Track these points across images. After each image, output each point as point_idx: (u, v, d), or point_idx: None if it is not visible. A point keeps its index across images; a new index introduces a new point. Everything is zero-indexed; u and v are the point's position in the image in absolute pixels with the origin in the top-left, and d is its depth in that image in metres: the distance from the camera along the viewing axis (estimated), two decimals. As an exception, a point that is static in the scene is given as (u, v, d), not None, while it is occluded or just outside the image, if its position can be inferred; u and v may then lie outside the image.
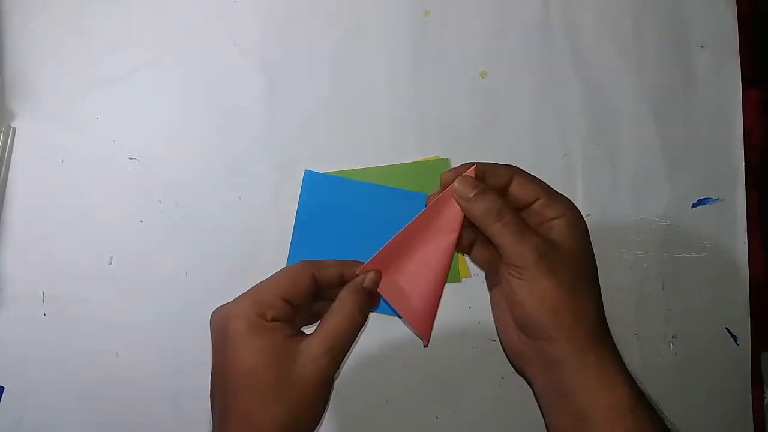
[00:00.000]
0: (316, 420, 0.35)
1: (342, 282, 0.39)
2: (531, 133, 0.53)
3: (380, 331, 0.50)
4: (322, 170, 0.51)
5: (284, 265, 0.48)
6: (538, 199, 0.38)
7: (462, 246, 0.41)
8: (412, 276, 0.40)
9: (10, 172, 0.52)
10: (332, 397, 0.50)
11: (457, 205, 0.39)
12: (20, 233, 0.51)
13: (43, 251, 0.51)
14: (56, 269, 0.51)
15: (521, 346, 0.38)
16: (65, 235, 0.51)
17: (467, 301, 0.51)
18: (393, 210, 0.51)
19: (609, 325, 0.39)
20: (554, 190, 0.39)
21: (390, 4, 0.53)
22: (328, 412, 0.50)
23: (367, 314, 0.37)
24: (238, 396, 0.34)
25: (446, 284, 0.51)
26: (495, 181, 0.39)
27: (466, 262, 0.51)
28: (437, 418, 0.50)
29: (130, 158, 0.52)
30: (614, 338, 0.50)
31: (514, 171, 0.39)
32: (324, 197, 0.51)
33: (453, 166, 0.51)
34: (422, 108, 0.53)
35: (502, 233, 0.37)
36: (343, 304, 0.36)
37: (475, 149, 0.52)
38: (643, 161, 0.52)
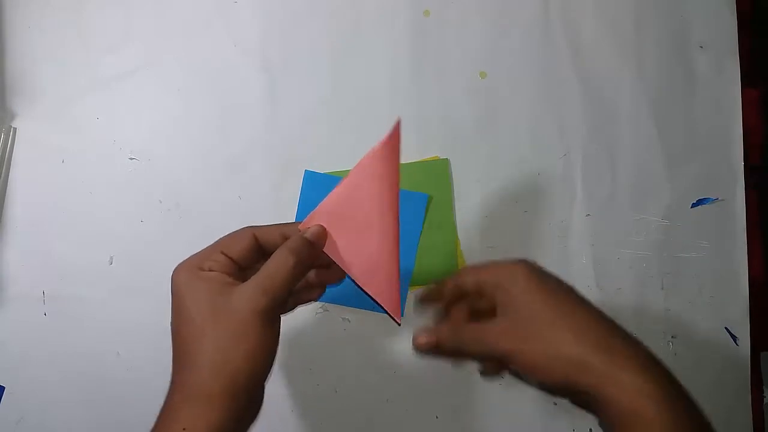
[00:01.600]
0: (253, 358, 0.34)
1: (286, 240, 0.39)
2: (531, 133, 0.53)
3: (380, 331, 0.50)
4: (322, 170, 0.51)
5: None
6: (478, 281, 0.38)
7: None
8: (363, 240, 0.39)
9: (10, 172, 0.52)
10: (332, 397, 0.50)
11: (394, 158, 0.39)
12: (21, 233, 0.51)
13: (43, 251, 0.51)
14: (57, 269, 0.51)
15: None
16: (66, 234, 0.51)
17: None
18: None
19: (536, 265, 0.38)
20: (493, 261, 0.38)
21: (390, 4, 0.53)
22: (328, 411, 0.50)
23: (307, 263, 0.37)
24: (177, 339, 0.36)
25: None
26: (450, 293, 0.40)
27: (466, 263, 0.51)
28: (437, 417, 0.50)
29: (131, 158, 0.52)
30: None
31: (454, 275, 0.40)
32: (324, 197, 0.51)
33: (452, 166, 0.52)
34: (422, 108, 0.53)
35: (475, 351, 0.37)
36: (278, 251, 0.36)
37: (475, 149, 0.52)
38: (642, 161, 0.52)
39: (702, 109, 0.53)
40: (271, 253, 0.37)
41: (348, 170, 0.51)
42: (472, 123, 0.53)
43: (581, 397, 0.35)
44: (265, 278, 0.35)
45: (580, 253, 0.51)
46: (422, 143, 0.52)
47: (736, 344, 0.51)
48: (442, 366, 0.50)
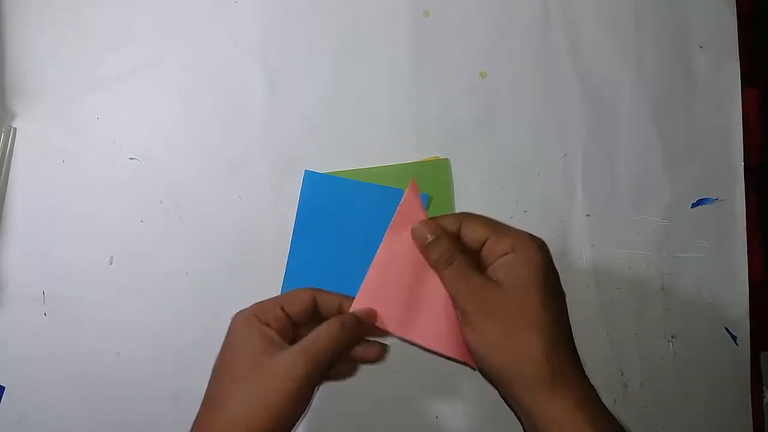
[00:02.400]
0: (277, 419, 0.35)
1: (341, 312, 0.41)
2: (531, 133, 0.53)
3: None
4: (322, 170, 0.51)
5: (284, 264, 0.50)
6: (487, 239, 0.38)
7: None
8: (414, 303, 0.40)
9: (10, 173, 0.52)
10: (332, 397, 0.50)
11: (416, 215, 0.40)
12: (21, 233, 0.51)
13: (43, 251, 0.51)
14: (57, 269, 0.51)
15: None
16: (66, 235, 0.51)
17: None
18: (393, 210, 0.50)
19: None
20: (508, 226, 0.39)
21: (390, 4, 0.53)
22: (328, 412, 0.50)
23: (352, 339, 0.39)
24: (214, 381, 0.37)
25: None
26: (448, 227, 0.39)
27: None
28: (437, 417, 0.50)
29: (131, 158, 0.52)
30: (615, 338, 0.51)
31: (462, 216, 0.40)
32: (324, 197, 0.51)
33: (452, 166, 0.52)
34: (422, 108, 0.53)
35: (448, 279, 0.38)
36: (327, 323, 0.38)
37: (475, 149, 0.52)
38: (642, 161, 0.52)
39: (702, 109, 0.53)
40: (324, 319, 0.38)
41: (348, 170, 0.51)
42: (472, 123, 0.53)
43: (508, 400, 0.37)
44: (309, 346, 0.36)
45: (580, 253, 0.52)
46: (422, 143, 0.52)
47: (736, 344, 0.51)
48: (442, 366, 0.50)
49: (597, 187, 0.52)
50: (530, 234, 0.38)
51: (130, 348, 0.51)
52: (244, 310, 0.39)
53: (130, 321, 0.51)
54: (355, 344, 0.41)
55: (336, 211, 0.51)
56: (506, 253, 0.37)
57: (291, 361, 0.35)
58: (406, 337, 0.41)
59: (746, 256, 0.52)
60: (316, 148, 0.52)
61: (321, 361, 0.36)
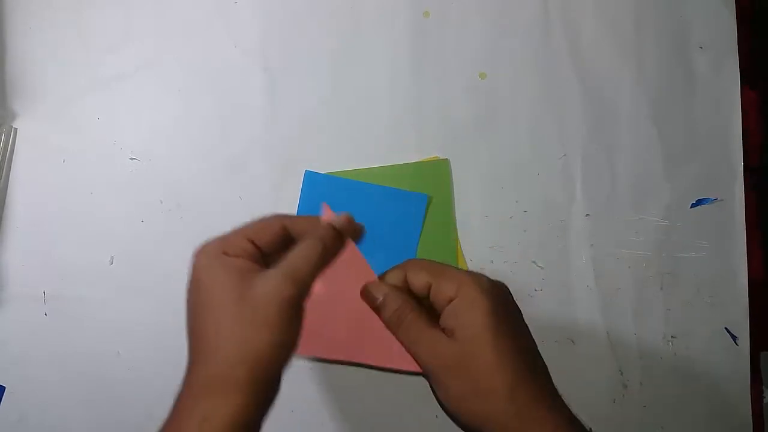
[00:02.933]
0: (277, 346, 0.33)
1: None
2: (531, 133, 0.53)
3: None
4: (322, 170, 0.51)
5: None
6: (432, 285, 0.36)
7: None
8: (356, 326, 0.38)
9: (11, 173, 0.52)
10: (332, 397, 0.50)
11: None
12: (21, 233, 0.51)
13: (44, 251, 0.51)
14: (57, 269, 0.51)
15: None
16: (66, 235, 0.51)
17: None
18: (393, 210, 0.51)
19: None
20: (451, 268, 0.36)
21: (390, 5, 0.53)
22: (328, 412, 0.50)
23: (333, 252, 0.37)
24: (195, 327, 0.34)
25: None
26: (396, 282, 0.37)
27: (465, 262, 0.51)
28: (437, 417, 0.50)
29: (131, 158, 0.52)
30: (615, 338, 0.51)
31: (406, 265, 0.38)
32: (324, 197, 0.51)
33: (452, 166, 0.52)
34: (422, 108, 0.53)
35: (403, 338, 0.36)
36: (306, 239, 0.35)
37: (475, 149, 0.52)
38: (642, 161, 0.52)
39: (702, 109, 0.53)
40: (296, 243, 0.36)
41: (348, 170, 0.51)
42: (472, 123, 0.53)
43: None
44: (291, 266, 0.34)
45: (580, 253, 0.52)
46: (422, 143, 0.52)
47: (736, 344, 0.51)
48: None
49: (597, 187, 0.52)
50: (474, 273, 0.36)
51: (130, 348, 0.51)
52: (205, 245, 0.35)
53: (130, 321, 0.51)
54: (334, 257, 0.37)
55: (336, 211, 0.51)
56: (451, 299, 0.35)
57: (277, 283, 0.33)
58: (355, 361, 0.38)
59: (746, 255, 0.52)
60: (316, 148, 0.52)
61: (307, 282, 0.34)
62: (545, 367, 0.36)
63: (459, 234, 0.51)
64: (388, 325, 0.37)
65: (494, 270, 0.51)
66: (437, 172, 0.52)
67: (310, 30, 0.53)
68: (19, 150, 0.52)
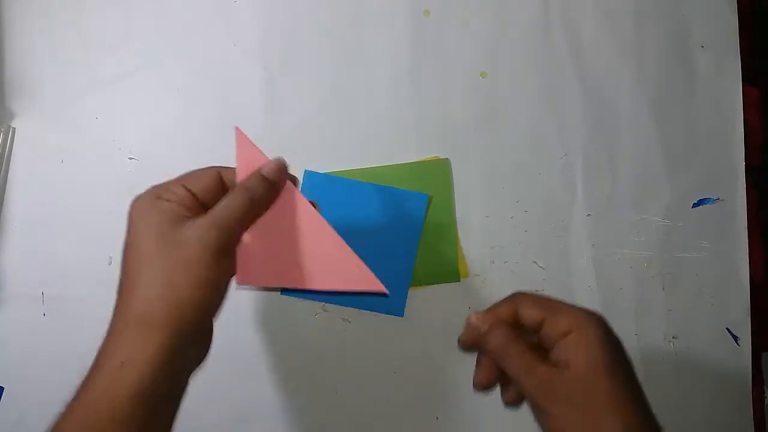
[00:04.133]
0: (199, 288, 0.33)
1: None
2: (531, 133, 0.53)
3: (380, 331, 0.50)
4: (322, 170, 0.51)
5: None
6: (545, 319, 0.36)
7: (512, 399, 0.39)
8: (303, 254, 0.39)
9: (10, 172, 0.52)
10: (332, 397, 0.50)
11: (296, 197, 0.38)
12: (20, 233, 0.51)
13: (43, 251, 0.51)
14: (56, 269, 0.51)
15: None
16: (65, 235, 0.51)
17: (467, 301, 0.51)
18: (394, 209, 0.51)
19: (609, 325, 0.38)
20: (562, 304, 0.37)
21: (390, 4, 0.53)
22: (328, 412, 0.50)
23: (264, 200, 0.37)
24: (123, 266, 0.34)
25: (446, 284, 0.51)
26: (504, 314, 0.37)
27: (466, 263, 0.51)
28: (437, 418, 0.50)
29: (130, 158, 0.52)
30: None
31: (517, 298, 0.38)
32: (324, 197, 0.51)
33: (452, 166, 0.52)
34: (422, 108, 0.53)
35: (510, 370, 0.36)
36: (236, 188, 0.36)
37: (475, 149, 0.52)
38: (643, 161, 0.52)
39: (702, 108, 0.53)
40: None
41: (348, 170, 0.51)
42: (472, 123, 0.52)
43: None
44: (217, 213, 0.34)
45: (581, 253, 0.51)
46: (422, 143, 0.52)
47: (737, 344, 0.51)
48: (442, 366, 0.50)
49: (597, 187, 0.52)
50: (586, 310, 0.36)
51: (130, 348, 0.50)
52: (141, 192, 0.36)
53: (129, 321, 0.50)
54: (267, 206, 0.37)
55: (335, 211, 0.51)
56: (566, 333, 0.35)
57: (202, 231, 0.33)
58: (310, 288, 0.39)
59: (747, 256, 0.52)
60: (316, 147, 0.52)
61: (233, 230, 0.34)
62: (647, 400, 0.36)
63: (459, 234, 0.51)
64: (494, 354, 0.37)
65: (495, 270, 0.51)
66: (437, 171, 0.52)
67: (310, 30, 0.53)
68: (18, 150, 0.52)
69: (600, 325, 0.35)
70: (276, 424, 0.50)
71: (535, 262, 0.51)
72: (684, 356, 0.51)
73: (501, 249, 0.51)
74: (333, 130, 0.52)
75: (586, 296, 0.51)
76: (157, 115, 0.53)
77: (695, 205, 0.52)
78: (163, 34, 0.53)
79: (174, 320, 0.32)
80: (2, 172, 0.51)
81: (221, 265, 0.34)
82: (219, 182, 0.37)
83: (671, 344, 0.51)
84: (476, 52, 0.53)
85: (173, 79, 0.53)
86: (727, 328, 0.51)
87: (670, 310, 0.51)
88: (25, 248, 0.51)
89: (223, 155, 0.52)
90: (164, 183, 0.36)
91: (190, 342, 0.33)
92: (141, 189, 0.51)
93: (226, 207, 0.34)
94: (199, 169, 0.37)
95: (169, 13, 0.53)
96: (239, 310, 0.47)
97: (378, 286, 0.38)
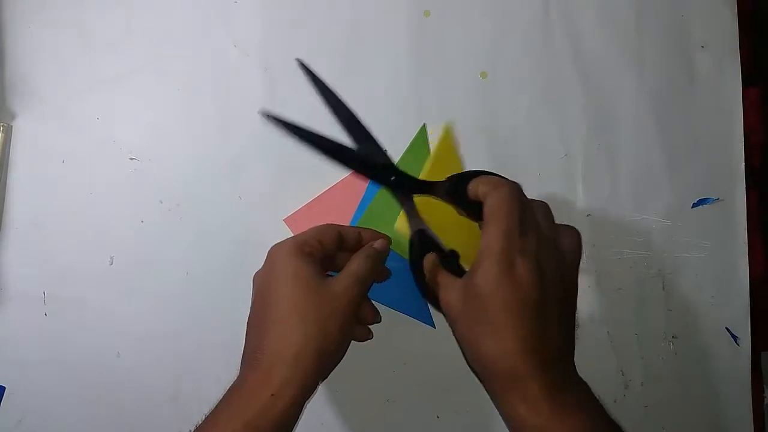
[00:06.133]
0: (343, 332, 0.38)
1: (359, 240, 0.45)
2: (531, 133, 0.53)
3: (380, 330, 0.50)
4: (322, 170, 0.51)
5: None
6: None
7: None
8: None
9: (10, 173, 0.52)
10: (332, 397, 0.50)
11: None
12: (21, 234, 0.51)
13: (43, 252, 0.51)
14: (57, 269, 0.51)
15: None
16: (66, 235, 0.51)
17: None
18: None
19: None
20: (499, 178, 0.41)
21: (390, 4, 0.53)
22: (328, 412, 0.50)
23: (380, 266, 0.44)
24: (265, 305, 0.38)
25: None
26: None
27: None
28: (438, 417, 0.50)
29: (131, 158, 0.52)
30: (616, 338, 0.51)
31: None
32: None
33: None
34: (422, 108, 0.53)
35: (435, 288, 0.41)
36: (359, 256, 0.42)
37: (475, 149, 0.52)
38: (643, 161, 0.52)
39: (702, 109, 0.53)
40: (347, 249, 0.43)
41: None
42: (472, 123, 0.52)
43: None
44: (358, 271, 0.40)
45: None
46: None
47: (737, 344, 0.51)
48: (442, 366, 0.50)
49: (597, 187, 0.52)
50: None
51: (130, 348, 0.50)
52: (280, 242, 0.41)
53: (129, 321, 0.50)
54: (377, 275, 0.44)
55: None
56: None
57: (349, 286, 0.39)
58: None
59: (747, 255, 0.52)
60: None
61: (365, 286, 0.40)
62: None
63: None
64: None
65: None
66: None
67: (310, 30, 0.53)
68: (18, 150, 0.52)
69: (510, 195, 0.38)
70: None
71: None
72: (684, 356, 0.51)
73: (501, 249, 0.51)
74: (333, 131, 0.52)
75: (586, 296, 0.51)
76: (158, 115, 0.53)
77: (695, 205, 0.52)
78: (163, 34, 0.53)
79: (322, 363, 0.37)
80: (3, 173, 0.51)
81: (352, 322, 0.40)
82: (339, 238, 0.43)
83: (671, 344, 0.51)
84: (476, 52, 0.53)
85: (174, 79, 0.53)
86: (727, 328, 0.51)
87: (670, 309, 0.51)
88: (26, 248, 0.51)
89: (224, 155, 0.52)
90: (300, 235, 0.41)
91: (326, 374, 0.40)
92: (142, 189, 0.52)
93: (359, 269, 0.40)
94: (320, 226, 0.43)
95: (170, 14, 0.53)
96: (238, 308, 0.47)
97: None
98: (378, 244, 0.44)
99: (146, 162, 0.52)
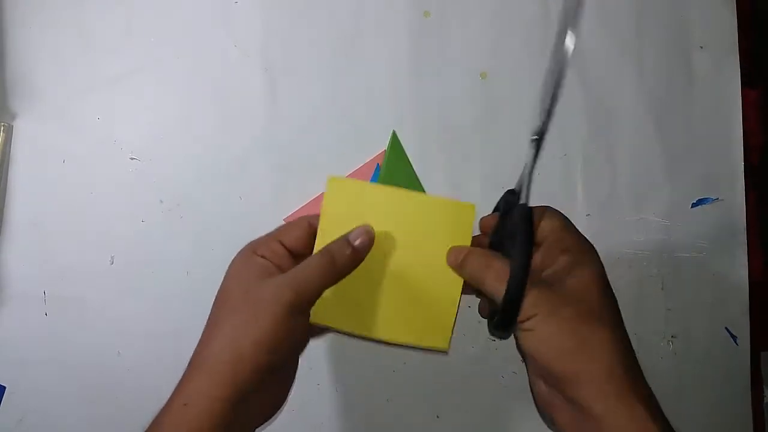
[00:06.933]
0: (260, 344, 0.34)
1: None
2: (531, 133, 0.53)
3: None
4: (322, 170, 0.51)
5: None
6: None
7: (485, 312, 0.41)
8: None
9: (11, 172, 0.52)
10: (332, 397, 0.50)
11: None
12: (22, 233, 0.51)
13: (44, 251, 0.51)
14: (57, 269, 0.51)
15: (548, 395, 0.36)
16: (66, 235, 0.51)
17: (467, 300, 0.51)
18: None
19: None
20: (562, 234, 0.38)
21: (390, 5, 0.53)
22: (328, 412, 0.50)
23: (345, 266, 0.37)
24: (210, 317, 0.37)
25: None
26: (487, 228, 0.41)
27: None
28: (438, 417, 0.50)
29: (132, 158, 0.52)
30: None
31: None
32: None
33: (452, 167, 0.52)
34: (422, 108, 0.53)
35: (493, 285, 0.35)
36: (319, 252, 0.37)
37: (475, 149, 0.52)
38: (642, 161, 0.52)
39: (702, 109, 0.53)
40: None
41: (347, 170, 0.51)
42: (472, 123, 0.53)
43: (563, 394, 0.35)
44: (296, 274, 0.35)
45: (580, 253, 0.51)
46: (422, 143, 0.52)
47: (736, 344, 0.51)
48: (442, 366, 0.50)
49: (597, 187, 0.52)
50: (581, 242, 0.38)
51: (130, 348, 0.51)
52: (244, 246, 0.38)
53: (130, 321, 0.51)
54: (349, 272, 0.38)
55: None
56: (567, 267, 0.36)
57: (277, 288, 0.34)
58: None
59: (746, 255, 0.52)
60: (317, 148, 0.52)
61: (308, 292, 0.35)
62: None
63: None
64: (471, 281, 0.38)
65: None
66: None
67: (310, 30, 0.53)
68: (18, 150, 0.52)
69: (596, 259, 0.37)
70: (275, 422, 0.50)
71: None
72: (683, 356, 0.51)
73: (501, 249, 0.51)
74: (333, 130, 0.52)
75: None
76: (158, 115, 0.53)
77: (695, 205, 0.52)
78: (163, 34, 0.53)
79: (236, 374, 0.33)
80: (3, 173, 0.51)
81: (290, 325, 0.35)
82: (310, 232, 0.38)
83: (670, 344, 0.51)
84: (476, 52, 0.53)
85: (173, 79, 0.53)
86: (726, 328, 0.51)
87: (669, 309, 0.51)
88: (27, 248, 0.51)
89: (224, 155, 0.52)
90: (261, 238, 0.38)
91: (249, 396, 0.34)
92: (142, 189, 0.52)
93: (304, 268, 0.35)
94: (291, 222, 0.39)
95: (170, 14, 0.53)
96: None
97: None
98: (352, 235, 0.37)
99: (146, 162, 0.52)
